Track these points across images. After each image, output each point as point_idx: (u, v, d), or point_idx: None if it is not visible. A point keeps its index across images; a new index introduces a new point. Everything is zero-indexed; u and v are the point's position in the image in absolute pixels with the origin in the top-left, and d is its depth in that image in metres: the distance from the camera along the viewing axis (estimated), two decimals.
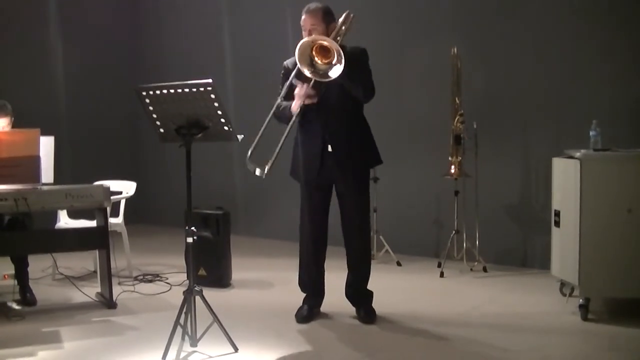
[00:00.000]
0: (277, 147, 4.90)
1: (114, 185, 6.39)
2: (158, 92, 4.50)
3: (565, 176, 5.57)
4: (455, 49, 7.02)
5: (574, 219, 5.36)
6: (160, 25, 10.20)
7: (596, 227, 5.29)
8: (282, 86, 5.22)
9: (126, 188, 7.07)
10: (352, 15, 5.14)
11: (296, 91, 5.06)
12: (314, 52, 4.78)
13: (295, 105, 5.06)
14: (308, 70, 4.78)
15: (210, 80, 4.35)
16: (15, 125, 6.02)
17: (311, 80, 4.91)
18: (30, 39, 9.09)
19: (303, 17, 5.14)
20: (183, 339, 4.62)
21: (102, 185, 5.83)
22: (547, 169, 6.26)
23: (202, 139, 4.61)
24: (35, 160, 5.54)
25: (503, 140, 7.25)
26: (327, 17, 5.13)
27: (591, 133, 5.55)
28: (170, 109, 4.53)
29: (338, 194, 5.38)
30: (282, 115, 5.18)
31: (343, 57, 4.69)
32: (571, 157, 5.48)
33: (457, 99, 6.99)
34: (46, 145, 5.82)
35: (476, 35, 7.36)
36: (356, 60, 5.04)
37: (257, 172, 4.86)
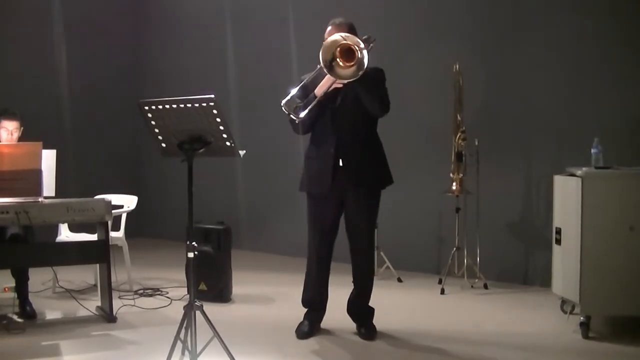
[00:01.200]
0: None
1: (115, 199, 6.39)
2: (160, 106, 4.49)
3: (566, 194, 5.56)
4: (457, 66, 7.03)
5: (576, 237, 5.36)
6: (163, 40, 10.22)
7: (598, 245, 5.28)
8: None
9: (127, 202, 7.06)
10: (373, 39, 5.17)
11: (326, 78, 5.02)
12: (337, 53, 4.80)
13: (321, 88, 5.02)
14: (327, 64, 4.78)
15: (212, 96, 4.35)
16: (20, 138, 6.04)
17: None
18: (33, 54, 9.11)
19: (329, 28, 5.17)
20: (183, 353, 4.60)
21: (103, 199, 5.84)
22: (548, 186, 6.26)
23: (204, 154, 4.61)
24: (37, 173, 5.54)
25: (505, 157, 7.26)
26: (352, 32, 5.14)
27: (593, 151, 5.55)
28: (173, 124, 4.53)
29: (347, 210, 5.36)
30: (307, 103, 5.06)
31: (365, 64, 4.72)
32: (573, 175, 5.48)
33: (458, 115, 7.01)
34: (48, 159, 5.82)
35: (478, 52, 7.38)
36: (373, 77, 5.07)
37: (293, 116, 4.87)
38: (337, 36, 4.85)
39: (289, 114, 4.87)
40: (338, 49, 4.81)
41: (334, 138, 5.20)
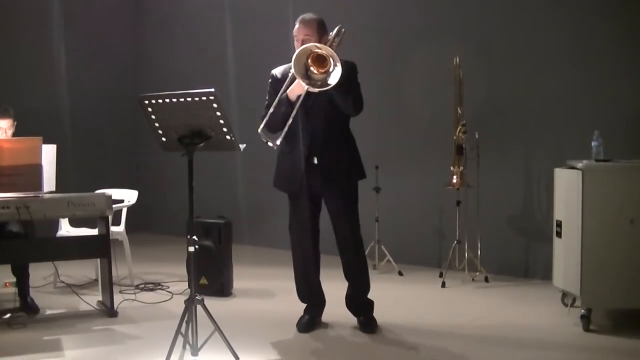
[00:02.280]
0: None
1: (115, 193, 6.40)
2: (160, 101, 4.50)
3: (567, 187, 5.56)
4: (458, 59, 7.03)
5: (576, 230, 5.36)
6: (163, 35, 10.21)
7: (598, 238, 5.29)
8: (269, 96, 5.21)
9: (128, 197, 7.07)
10: (343, 30, 5.12)
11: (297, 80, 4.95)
12: (310, 61, 4.75)
13: (297, 88, 4.96)
14: (304, 82, 4.73)
15: (212, 90, 4.35)
16: (17, 133, 6.03)
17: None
18: (33, 47, 9.11)
19: (297, 26, 5.14)
20: (184, 347, 4.61)
21: (103, 194, 5.84)
22: (549, 179, 6.26)
23: (205, 149, 4.61)
24: (37, 168, 5.55)
25: (505, 150, 7.25)
26: (321, 29, 5.12)
27: (593, 144, 5.54)
28: (173, 119, 4.53)
29: (327, 208, 5.38)
30: (276, 113, 4.99)
31: (340, 64, 4.65)
32: (573, 168, 5.48)
33: (459, 109, 7.00)
34: (48, 154, 5.83)
35: (479, 45, 7.37)
36: (347, 75, 4.93)
37: (270, 143, 4.81)
38: (302, 50, 4.75)
39: (267, 142, 4.81)
40: (309, 59, 4.76)
41: (306, 135, 5.18)
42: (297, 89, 4.96)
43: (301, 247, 5.45)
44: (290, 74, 5.03)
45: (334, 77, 4.68)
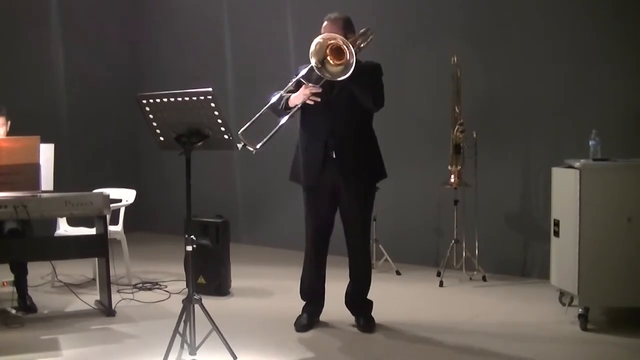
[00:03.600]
0: (273, 129, 4.97)
1: (113, 193, 6.39)
2: (158, 100, 4.50)
3: (564, 186, 5.57)
4: (456, 58, 7.03)
5: (574, 229, 5.36)
6: (160, 33, 10.20)
7: (596, 237, 5.29)
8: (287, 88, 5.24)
9: (126, 196, 7.07)
10: (371, 32, 5.17)
11: (303, 87, 5.06)
12: (328, 51, 4.80)
13: (296, 99, 5.06)
14: (317, 66, 4.80)
15: (210, 89, 4.36)
16: (15, 132, 6.02)
17: (320, 81, 4.96)
18: (31, 46, 9.09)
19: (324, 23, 5.16)
20: (182, 347, 4.62)
21: (101, 193, 5.84)
22: (546, 178, 6.26)
23: (202, 148, 4.62)
24: (35, 167, 5.54)
25: (503, 149, 7.26)
26: (347, 28, 5.14)
27: (591, 142, 5.55)
28: (171, 117, 4.54)
29: (341, 204, 5.35)
30: (277, 105, 5.15)
31: (354, 62, 4.70)
32: (571, 167, 5.48)
33: (457, 107, 7.01)
34: (46, 153, 5.82)
35: (476, 44, 7.37)
36: (370, 72, 5.06)
37: (250, 148, 4.84)
38: (323, 38, 4.84)
39: (245, 145, 4.84)
40: (328, 48, 4.81)
41: (326, 129, 5.18)
42: (299, 97, 5.05)
43: (313, 242, 5.43)
44: (301, 74, 5.10)
45: (347, 72, 4.73)
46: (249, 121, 4.96)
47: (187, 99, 4.41)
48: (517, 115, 7.20)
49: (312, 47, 4.80)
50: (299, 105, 5.05)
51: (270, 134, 4.92)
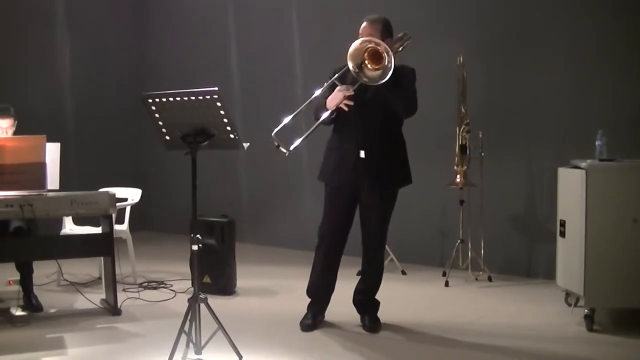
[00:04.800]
0: (305, 133, 5.00)
1: (119, 192, 6.39)
2: (164, 99, 4.50)
3: (570, 186, 5.56)
4: (461, 59, 7.03)
5: (579, 229, 5.36)
6: (166, 33, 10.21)
7: (601, 237, 5.28)
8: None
9: (131, 195, 7.07)
10: (408, 37, 5.18)
11: (337, 89, 5.06)
12: (366, 55, 4.81)
13: (332, 102, 5.08)
14: (355, 70, 4.82)
15: (216, 88, 4.35)
16: (21, 131, 6.03)
17: (355, 84, 4.96)
18: (36, 45, 9.11)
19: (363, 24, 5.16)
20: (187, 346, 4.62)
21: (107, 192, 5.84)
22: (552, 178, 6.24)
23: (208, 147, 4.61)
24: (41, 166, 5.55)
25: (509, 149, 7.25)
26: (385, 31, 5.13)
27: (597, 143, 5.53)
28: (176, 117, 4.54)
29: (362, 202, 5.34)
30: (317, 108, 5.22)
31: (392, 68, 4.72)
32: (577, 167, 5.47)
33: (462, 108, 7.00)
34: (52, 152, 5.83)
35: (482, 44, 7.36)
36: (404, 77, 5.08)
37: (282, 149, 4.85)
38: (362, 41, 4.85)
39: (278, 146, 4.86)
40: (366, 52, 4.82)
41: (357, 132, 5.19)
42: (334, 100, 5.07)
43: (331, 240, 5.40)
44: (335, 76, 5.12)
45: (384, 77, 4.75)
46: (280, 123, 4.99)
47: (193, 98, 4.41)
48: (523, 115, 7.19)
49: (350, 51, 4.80)
50: (333, 109, 5.07)
51: (305, 135, 4.95)
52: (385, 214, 5.38)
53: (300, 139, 4.92)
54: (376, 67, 4.81)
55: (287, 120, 5.00)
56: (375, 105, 5.13)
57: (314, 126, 5.04)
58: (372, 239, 5.40)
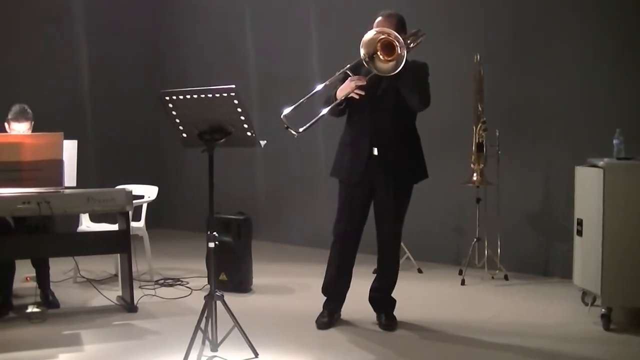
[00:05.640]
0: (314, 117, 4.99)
1: (135, 189, 6.41)
2: (181, 97, 4.51)
3: (588, 185, 5.53)
4: (479, 56, 7.00)
5: (597, 228, 5.33)
6: (183, 31, 10.22)
7: (619, 236, 5.25)
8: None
9: (148, 192, 7.09)
10: (422, 34, 5.17)
11: (349, 79, 5.05)
12: (379, 46, 4.82)
13: (342, 91, 5.07)
14: (366, 59, 4.82)
15: (233, 86, 4.36)
16: (38, 129, 6.06)
17: (368, 75, 4.97)
18: (55, 44, 9.15)
19: (378, 19, 5.16)
20: (203, 343, 4.63)
21: (124, 190, 5.86)
22: (569, 177, 6.21)
23: (225, 145, 4.62)
24: (58, 164, 5.57)
25: (526, 148, 7.22)
26: (399, 26, 5.12)
27: (614, 142, 5.50)
28: (193, 114, 4.54)
29: (376, 199, 5.33)
30: (326, 95, 5.22)
31: (404, 60, 4.74)
32: (594, 166, 5.45)
33: (480, 106, 6.98)
34: (69, 149, 5.86)
35: (500, 42, 7.34)
36: (416, 71, 5.07)
37: (292, 131, 4.84)
38: (376, 32, 4.85)
39: (287, 128, 4.85)
40: (379, 43, 4.81)
41: (370, 127, 5.19)
42: (345, 89, 5.06)
43: (346, 237, 5.39)
44: (348, 66, 5.10)
45: (396, 68, 4.77)
46: (293, 104, 4.96)
47: (210, 95, 4.42)
48: (541, 113, 7.16)
49: (364, 39, 4.81)
50: (343, 98, 5.06)
51: (314, 120, 4.94)
52: (400, 212, 5.37)
53: (310, 123, 4.91)
54: (389, 59, 4.81)
55: (296, 104, 4.95)
56: (389, 99, 5.13)
57: (324, 111, 5.02)
58: (387, 237, 5.39)
